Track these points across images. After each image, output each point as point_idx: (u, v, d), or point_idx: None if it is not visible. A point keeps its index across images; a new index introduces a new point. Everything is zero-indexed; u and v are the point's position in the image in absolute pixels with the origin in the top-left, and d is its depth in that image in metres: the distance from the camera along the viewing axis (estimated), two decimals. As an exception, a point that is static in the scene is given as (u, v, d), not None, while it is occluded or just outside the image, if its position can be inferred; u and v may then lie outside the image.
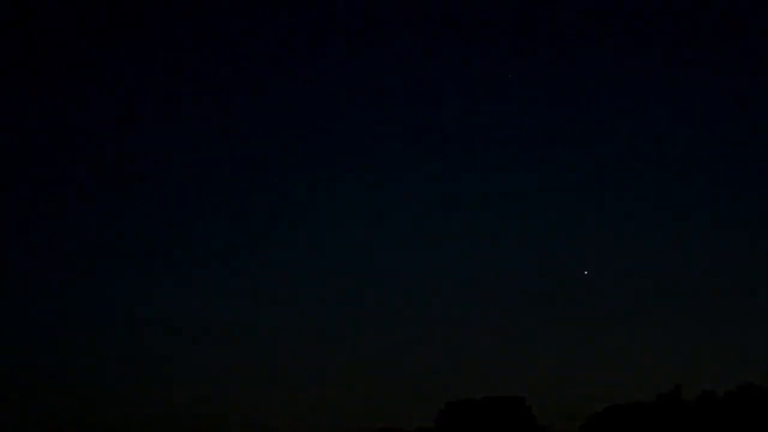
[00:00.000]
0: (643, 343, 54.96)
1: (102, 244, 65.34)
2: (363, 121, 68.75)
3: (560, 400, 48.89)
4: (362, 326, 60.10)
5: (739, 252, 59.91)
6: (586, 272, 59.19)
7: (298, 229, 66.14)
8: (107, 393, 55.97)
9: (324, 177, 67.78)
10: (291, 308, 61.57)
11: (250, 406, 53.73)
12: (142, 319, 60.58)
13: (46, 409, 53.90)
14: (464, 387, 50.60)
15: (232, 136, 68.92)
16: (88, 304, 62.51)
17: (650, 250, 62.68)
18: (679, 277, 60.64)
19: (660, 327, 56.31)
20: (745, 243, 60.45)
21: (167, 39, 65.90)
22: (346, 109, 69.01)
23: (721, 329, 54.81)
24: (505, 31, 65.55)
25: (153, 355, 58.08)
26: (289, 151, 68.40)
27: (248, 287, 63.27)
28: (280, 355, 58.36)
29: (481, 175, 67.72)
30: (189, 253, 65.79)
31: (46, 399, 55.12)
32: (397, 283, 63.66)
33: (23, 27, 61.09)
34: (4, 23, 59.74)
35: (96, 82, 66.66)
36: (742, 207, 62.58)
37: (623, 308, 58.67)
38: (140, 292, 62.42)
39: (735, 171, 64.20)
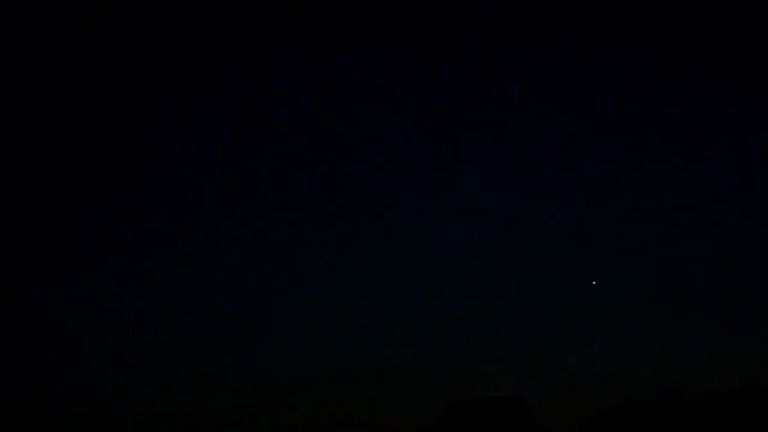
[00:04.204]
0: (643, 342, 54.99)
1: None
2: (366, 118, 68.71)
3: (560, 400, 48.97)
4: (362, 326, 60.07)
5: (741, 252, 60.10)
6: (594, 282, 58.93)
7: (295, 227, 66.16)
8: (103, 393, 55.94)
9: (325, 174, 67.85)
10: (290, 308, 61.52)
11: (249, 406, 53.80)
12: (148, 315, 60.73)
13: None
14: (464, 387, 50.69)
15: (235, 135, 68.85)
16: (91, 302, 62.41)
17: (651, 251, 62.77)
18: (680, 276, 60.81)
19: (661, 326, 56.41)
20: (747, 242, 60.57)
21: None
22: (348, 110, 68.96)
23: (722, 328, 54.90)
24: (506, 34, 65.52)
25: (152, 353, 58.23)
26: (289, 148, 68.32)
27: (247, 286, 63.32)
28: (280, 355, 58.37)
29: (484, 178, 67.76)
30: (193, 252, 65.69)
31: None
32: (398, 284, 63.67)
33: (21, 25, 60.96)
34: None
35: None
36: (743, 207, 62.60)
37: (624, 308, 58.79)
38: (143, 289, 62.45)
39: (735, 174, 64.26)
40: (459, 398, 46.64)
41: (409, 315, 60.78)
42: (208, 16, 63.73)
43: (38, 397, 54.60)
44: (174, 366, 57.85)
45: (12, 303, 60.07)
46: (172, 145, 67.93)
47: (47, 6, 59.97)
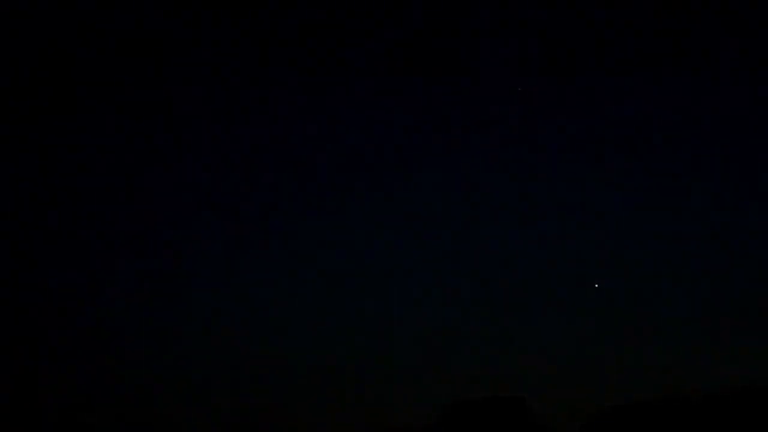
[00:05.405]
0: (644, 342, 54.95)
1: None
2: (369, 118, 68.66)
3: (560, 400, 48.91)
4: (362, 326, 60.04)
5: (741, 252, 60.05)
6: (597, 285, 58.81)
7: (296, 227, 66.14)
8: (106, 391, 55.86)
9: (324, 173, 67.79)
10: (290, 308, 61.50)
11: (248, 406, 53.76)
12: (147, 316, 60.69)
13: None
14: (464, 387, 50.63)
15: (236, 134, 68.83)
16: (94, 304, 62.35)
17: (651, 251, 62.71)
18: (680, 277, 60.77)
19: (661, 326, 56.36)
20: (747, 243, 60.54)
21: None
22: (351, 109, 68.92)
23: (722, 328, 54.81)
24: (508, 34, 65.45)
25: (152, 353, 58.21)
26: (287, 147, 68.32)
27: (246, 286, 63.28)
28: (279, 356, 58.31)
29: (486, 179, 67.63)
30: (192, 252, 65.64)
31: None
32: (398, 284, 63.59)
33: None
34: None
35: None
36: (744, 207, 62.53)
37: (624, 308, 58.73)
38: (143, 289, 62.41)
39: (736, 175, 64.16)
40: (459, 398, 46.63)
41: (409, 315, 60.78)
42: (208, 15, 63.95)
43: (38, 398, 54.67)
44: (174, 366, 57.96)
45: (12, 303, 60.19)
46: (173, 144, 68.11)
47: (47, 6, 60.11)
